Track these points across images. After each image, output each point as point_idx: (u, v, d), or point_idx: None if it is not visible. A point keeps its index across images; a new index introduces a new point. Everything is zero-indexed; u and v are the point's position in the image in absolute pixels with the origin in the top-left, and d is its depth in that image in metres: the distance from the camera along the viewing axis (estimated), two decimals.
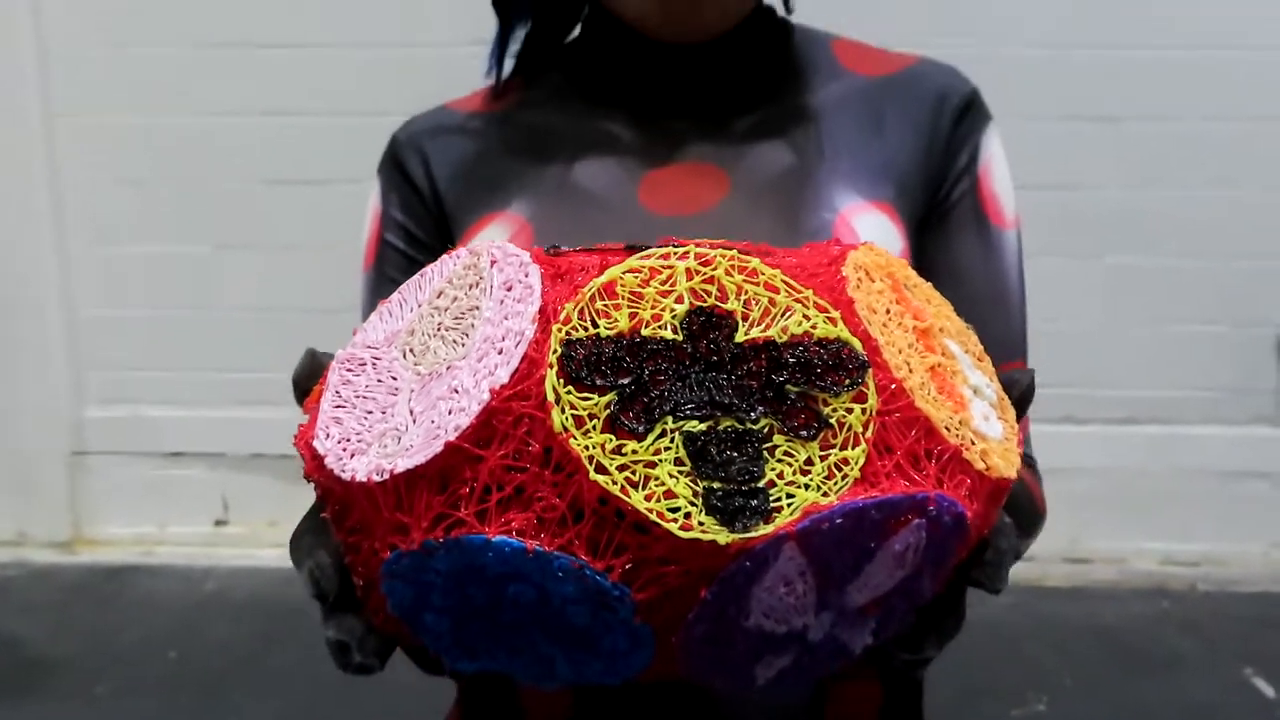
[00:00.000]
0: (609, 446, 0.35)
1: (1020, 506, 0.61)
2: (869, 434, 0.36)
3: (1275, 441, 3.09)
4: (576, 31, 0.73)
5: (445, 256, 0.44)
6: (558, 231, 0.64)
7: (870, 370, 0.37)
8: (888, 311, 0.40)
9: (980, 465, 0.39)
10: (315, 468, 0.41)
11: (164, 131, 3.05)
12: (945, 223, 0.68)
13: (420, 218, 0.72)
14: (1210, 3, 2.87)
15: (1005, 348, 0.67)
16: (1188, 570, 3.10)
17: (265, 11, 2.98)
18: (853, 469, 0.36)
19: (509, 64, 0.77)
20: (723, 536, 0.34)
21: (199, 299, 3.14)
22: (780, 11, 0.73)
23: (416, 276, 0.45)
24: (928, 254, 0.68)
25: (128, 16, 2.98)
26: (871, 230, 0.64)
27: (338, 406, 0.41)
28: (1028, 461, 0.70)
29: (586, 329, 0.36)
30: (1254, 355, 3.02)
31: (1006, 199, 0.69)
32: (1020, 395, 0.47)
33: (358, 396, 0.41)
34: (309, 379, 0.46)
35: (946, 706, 2.44)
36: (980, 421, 0.40)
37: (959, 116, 0.69)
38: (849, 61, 0.72)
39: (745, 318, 0.37)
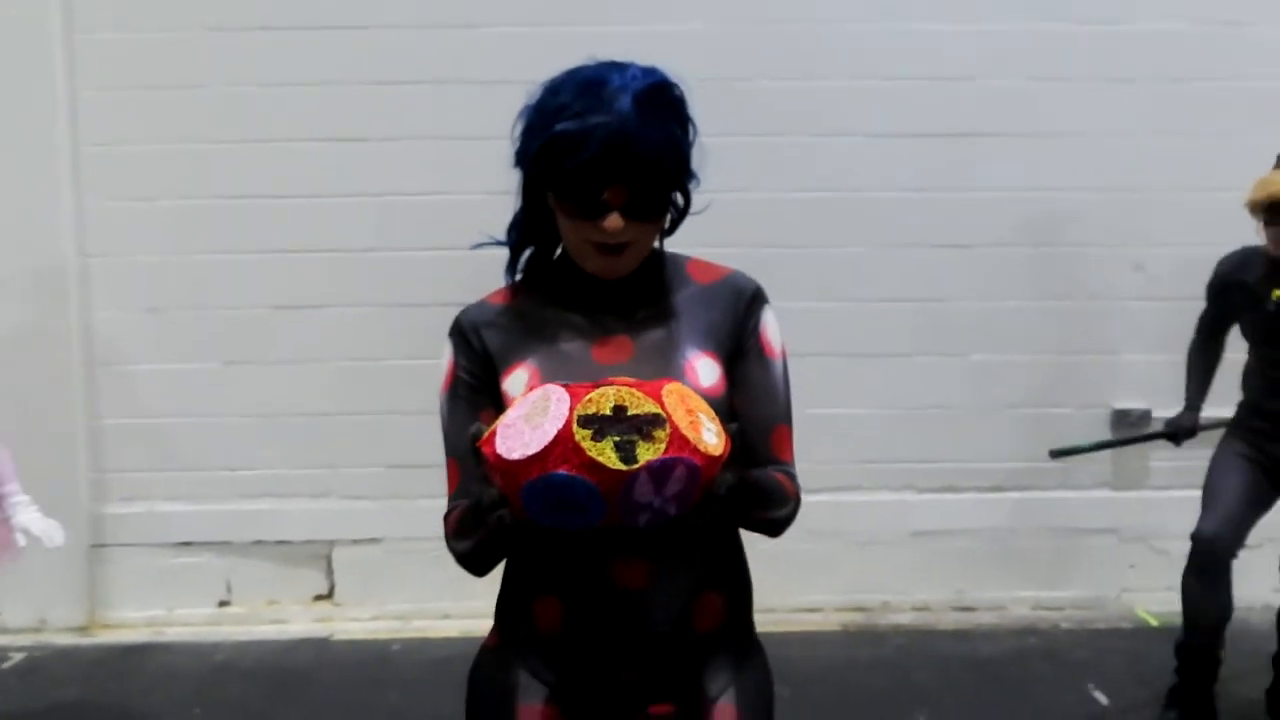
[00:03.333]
0: (592, 444, 1.01)
1: (765, 485, 1.27)
2: (665, 439, 1.02)
3: (1116, 502, 3.73)
4: (558, 252, 1.36)
5: (534, 391, 1.08)
6: (553, 372, 1.26)
7: (667, 422, 1.03)
8: (677, 403, 1.06)
9: (703, 449, 1.04)
10: (495, 456, 1.04)
11: (183, 268, 3.59)
12: (744, 357, 1.33)
13: (475, 363, 1.33)
14: (1039, 154, 3.63)
15: (774, 417, 1.33)
16: (1054, 613, 3.69)
17: (271, 170, 3.57)
18: (660, 449, 1.01)
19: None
20: (622, 468, 1.00)
21: (208, 408, 3.63)
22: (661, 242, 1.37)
23: (522, 397, 1.09)
24: (738, 373, 1.32)
25: (156, 172, 3.55)
26: (704, 366, 1.29)
27: (504, 439, 1.04)
28: (790, 478, 1.32)
29: (582, 412, 1.02)
30: (1092, 431, 3.68)
31: (775, 343, 1.34)
32: (732, 435, 1.10)
33: (508, 435, 1.04)
34: (478, 436, 1.08)
35: (834, 710, 2.97)
36: (706, 436, 1.06)
37: (749, 304, 1.34)
38: (694, 274, 1.36)
39: (630, 408, 1.03)
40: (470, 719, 1.35)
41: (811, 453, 3.64)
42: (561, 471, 1.00)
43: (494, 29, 3.58)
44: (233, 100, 3.57)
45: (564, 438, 1.00)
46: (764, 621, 1.44)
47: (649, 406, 1.03)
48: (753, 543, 1.41)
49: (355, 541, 3.69)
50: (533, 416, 1.03)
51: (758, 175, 3.55)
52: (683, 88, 1.26)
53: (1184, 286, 3.10)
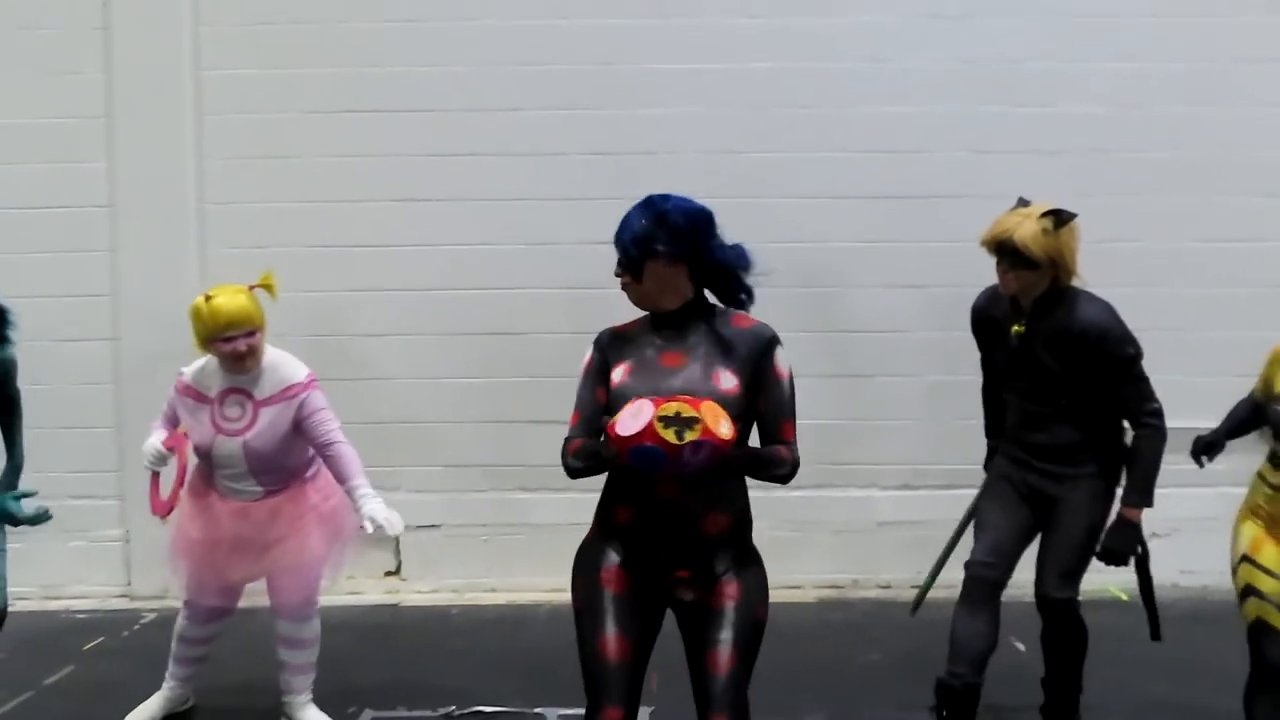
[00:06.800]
0: (664, 430, 2.04)
1: (765, 455, 2.25)
2: (700, 430, 2.04)
3: None
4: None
5: (635, 401, 2.10)
6: (637, 368, 2.24)
7: (700, 421, 2.04)
8: (707, 411, 2.07)
9: (720, 436, 2.06)
10: (615, 435, 2.07)
11: (283, 303, 4.40)
12: (762, 379, 2.24)
13: (602, 359, 2.30)
14: (982, 213, 4.40)
15: (782, 415, 2.27)
16: None
17: (354, 224, 4.42)
18: (697, 435, 2.04)
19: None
20: (677, 443, 2.03)
21: None
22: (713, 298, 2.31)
23: (630, 404, 2.10)
24: (761, 387, 2.24)
25: (265, 226, 4.41)
26: (724, 376, 2.22)
27: (620, 425, 2.06)
28: (789, 449, 2.26)
29: (658, 414, 2.04)
30: None
31: (784, 370, 2.27)
32: (737, 431, 2.13)
33: (622, 423, 2.06)
34: (606, 422, 2.11)
35: (809, 651, 3.70)
36: (723, 428, 2.06)
37: (767, 345, 2.26)
38: (735, 322, 2.29)
39: (683, 413, 2.05)
40: (575, 575, 2.26)
41: None
42: (648, 443, 1.97)
43: (535, 112, 4.43)
44: (324, 168, 4.43)
45: (649, 426, 1.97)
46: None
47: (692, 412, 1.99)
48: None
49: (419, 527, 4.48)
50: (636, 414, 2.01)
51: (747, 229, 4.33)
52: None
53: None
